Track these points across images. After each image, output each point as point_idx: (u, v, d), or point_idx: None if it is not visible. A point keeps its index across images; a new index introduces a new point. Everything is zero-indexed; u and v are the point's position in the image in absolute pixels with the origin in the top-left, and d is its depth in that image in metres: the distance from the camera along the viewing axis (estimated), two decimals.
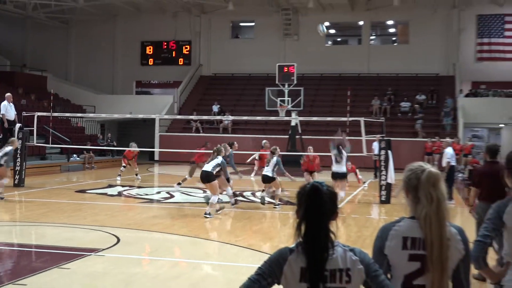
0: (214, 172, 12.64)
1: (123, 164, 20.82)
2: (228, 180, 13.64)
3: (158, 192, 18.18)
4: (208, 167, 12.58)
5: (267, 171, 14.20)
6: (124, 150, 21.86)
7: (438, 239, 2.84)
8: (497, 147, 7.66)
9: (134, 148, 20.79)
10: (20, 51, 40.04)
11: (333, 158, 14.91)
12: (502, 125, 33.05)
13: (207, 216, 12.39)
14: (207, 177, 12.49)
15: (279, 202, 14.35)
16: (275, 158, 14.25)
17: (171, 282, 7.44)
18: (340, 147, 15.05)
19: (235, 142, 15.90)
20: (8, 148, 15.16)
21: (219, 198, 13.08)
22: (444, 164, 15.13)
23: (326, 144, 18.32)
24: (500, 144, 23.71)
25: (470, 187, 21.23)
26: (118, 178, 19.98)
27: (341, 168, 14.84)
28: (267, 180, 14.24)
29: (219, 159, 12.74)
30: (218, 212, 12.97)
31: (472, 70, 33.90)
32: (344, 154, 14.87)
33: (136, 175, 20.84)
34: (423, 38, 34.51)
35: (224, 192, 13.87)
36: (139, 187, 18.88)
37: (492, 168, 7.32)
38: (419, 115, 30.47)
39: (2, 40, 39.40)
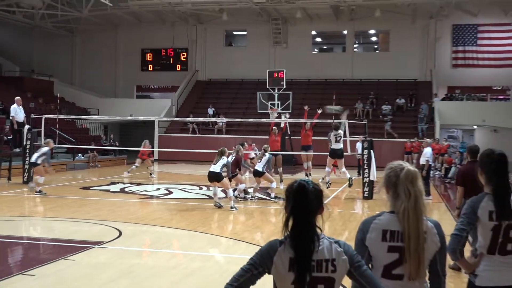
0: (222, 172, 12.93)
1: (136, 164, 20.54)
2: (230, 179, 13.68)
3: (158, 189, 18.12)
4: (216, 168, 12.81)
5: (259, 166, 14.61)
6: (128, 150, 21.59)
7: (415, 232, 2.85)
8: (478, 147, 7.62)
9: (147, 146, 20.55)
10: (28, 58, 39.86)
11: (333, 139, 15.05)
12: (475, 127, 33.23)
13: (233, 209, 12.81)
14: (216, 177, 12.82)
15: (275, 197, 14.48)
16: (267, 155, 14.56)
17: (169, 272, 7.43)
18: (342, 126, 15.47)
19: (245, 143, 16.09)
20: (45, 149, 15.54)
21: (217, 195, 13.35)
22: (423, 162, 15.15)
23: (313, 143, 18.48)
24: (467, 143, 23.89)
25: (448, 184, 21.32)
26: (126, 173, 19.77)
27: (339, 145, 15.06)
28: (257, 174, 14.62)
29: (224, 160, 12.96)
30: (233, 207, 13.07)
31: (448, 75, 34.07)
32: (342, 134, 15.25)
33: (151, 174, 20.67)
34: (402, 46, 34.66)
35: (242, 186, 14.49)
36: (139, 184, 18.80)
37: (472, 168, 7.31)
38: (388, 117, 30.58)
39: (12, 48, 39.20)
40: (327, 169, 15.78)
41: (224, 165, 12.96)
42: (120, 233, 9.91)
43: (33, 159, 15.52)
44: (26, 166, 17.73)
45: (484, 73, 33.74)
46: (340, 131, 15.58)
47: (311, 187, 2.67)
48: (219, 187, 13.53)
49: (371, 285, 2.69)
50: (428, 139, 17.27)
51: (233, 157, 14.15)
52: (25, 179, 17.66)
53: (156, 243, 9.71)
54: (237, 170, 14.21)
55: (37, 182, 15.31)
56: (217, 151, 13.31)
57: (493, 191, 3.69)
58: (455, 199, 16.76)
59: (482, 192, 3.78)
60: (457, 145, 32.58)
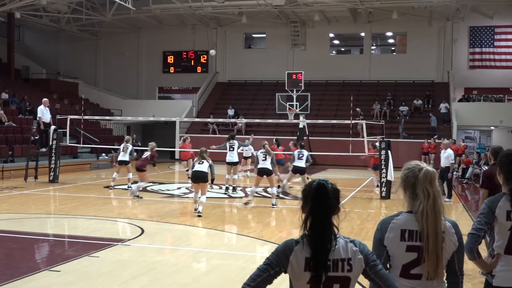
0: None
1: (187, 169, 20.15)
2: (212, 181, 12.58)
3: (179, 188, 18.19)
4: (203, 167, 12.12)
5: (267, 164, 13.62)
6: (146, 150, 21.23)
7: (433, 231, 2.81)
8: (502, 149, 7.45)
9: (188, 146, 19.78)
10: (54, 61, 40.31)
11: (297, 155, 14.84)
12: (493, 128, 32.82)
13: (198, 213, 12.04)
14: (203, 178, 12.09)
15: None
16: (272, 153, 13.93)
17: (189, 269, 7.46)
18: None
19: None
20: (130, 146, 16.51)
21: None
22: (447, 164, 14.47)
23: (331, 144, 18.39)
24: (491, 145, 23.47)
25: (466, 185, 20.99)
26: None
27: (302, 163, 14.87)
28: (265, 173, 13.60)
29: (210, 161, 12.32)
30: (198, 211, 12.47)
31: (465, 77, 33.69)
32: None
33: (187, 171, 20.21)
34: (419, 48, 34.34)
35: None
36: (161, 183, 18.89)
37: (496, 169, 7.13)
38: (361, 117, 30.12)
39: (39, 51, 39.71)
40: (285, 182, 15.69)
41: (210, 166, 12.27)
42: (143, 231, 9.97)
43: (126, 157, 16.42)
44: (52, 165, 17.95)
45: (501, 75, 33.30)
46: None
47: (330, 186, 2.65)
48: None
49: (386, 284, 2.66)
50: (446, 140, 16.87)
51: (148, 154, 14.26)
52: (51, 178, 17.87)
53: (177, 240, 9.75)
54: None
55: (128, 178, 16.56)
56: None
57: (510, 191, 3.64)
58: (472, 200, 16.54)
59: (500, 192, 3.73)
60: (475, 146, 32.20)
